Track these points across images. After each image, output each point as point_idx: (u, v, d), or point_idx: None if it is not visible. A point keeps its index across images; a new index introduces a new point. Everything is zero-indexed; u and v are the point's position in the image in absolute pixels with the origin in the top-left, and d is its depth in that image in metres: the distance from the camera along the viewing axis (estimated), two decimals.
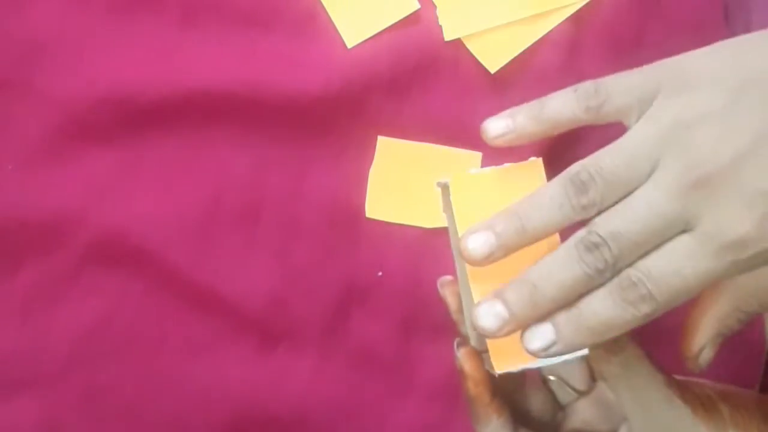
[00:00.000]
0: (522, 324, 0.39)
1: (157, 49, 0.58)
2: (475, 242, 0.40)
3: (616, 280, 0.38)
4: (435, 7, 0.59)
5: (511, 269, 0.40)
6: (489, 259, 0.40)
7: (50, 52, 0.58)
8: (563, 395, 0.47)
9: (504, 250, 0.40)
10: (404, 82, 0.58)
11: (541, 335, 0.39)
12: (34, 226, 0.57)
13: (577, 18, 0.58)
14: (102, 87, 0.57)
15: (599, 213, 0.39)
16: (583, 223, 0.40)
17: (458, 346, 0.46)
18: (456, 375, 0.56)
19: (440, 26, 0.59)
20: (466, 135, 0.58)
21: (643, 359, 0.43)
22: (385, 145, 0.58)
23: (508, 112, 0.43)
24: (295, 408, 0.56)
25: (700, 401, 0.43)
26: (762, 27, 0.42)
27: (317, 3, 0.58)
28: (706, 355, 0.43)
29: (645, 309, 0.38)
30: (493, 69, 0.58)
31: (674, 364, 0.45)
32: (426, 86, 0.59)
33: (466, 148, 0.58)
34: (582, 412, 0.46)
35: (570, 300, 0.39)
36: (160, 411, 0.56)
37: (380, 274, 0.57)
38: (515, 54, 0.58)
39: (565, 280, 0.39)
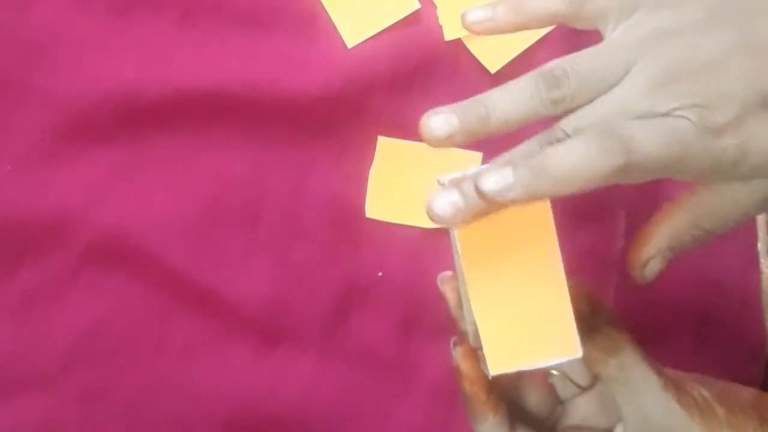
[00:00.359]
0: (468, 135, 0.39)
1: (157, 49, 0.58)
2: (437, 122, 0.39)
3: (596, 127, 0.38)
4: (435, 7, 0.59)
5: (508, 265, 0.40)
6: (448, 141, 0.39)
7: (50, 52, 0.58)
8: (564, 390, 0.47)
9: (464, 135, 0.39)
10: (404, 82, 0.58)
11: (500, 174, 0.37)
12: (34, 226, 0.57)
13: None
14: (102, 87, 0.57)
15: (567, 111, 0.39)
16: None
17: (454, 345, 0.46)
18: (455, 374, 0.56)
19: (440, 26, 0.59)
20: None
21: (641, 362, 0.43)
22: (385, 145, 0.58)
23: (490, 1, 0.43)
24: (296, 408, 0.56)
25: (696, 404, 0.43)
26: None
27: (317, 3, 0.58)
28: (654, 266, 0.42)
29: (620, 160, 0.37)
30: (493, 69, 0.58)
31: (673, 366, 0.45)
32: (426, 86, 0.59)
33: (466, 148, 0.58)
34: (582, 408, 0.46)
35: (515, 125, 0.39)
36: (159, 411, 0.56)
37: (380, 274, 0.57)
38: (515, 54, 0.58)
39: (518, 101, 0.39)
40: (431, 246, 0.57)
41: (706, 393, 0.44)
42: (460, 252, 0.41)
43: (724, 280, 0.57)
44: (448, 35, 0.58)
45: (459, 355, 0.45)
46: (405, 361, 0.57)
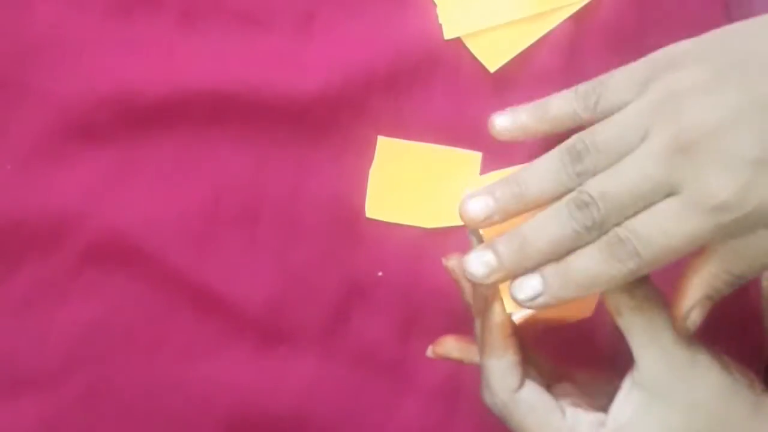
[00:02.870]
0: (510, 273, 0.43)
1: (156, 49, 0.58)
2: (475, 205, 0.43)
3: (604, 238, 0.41)
4: (435, 5, 0.59)
5: None
6: (487, 221, 0.43)
7: (50, 52, 0.58)
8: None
9: (502, 214, 0.43)
10: (404, 81, 0.58)
11: (529, 285, 0.42)
12: (34, 226, 0.57)
13: (577, 18, 0.58)
14: (101, 87, 0.57)
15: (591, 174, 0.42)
16: None
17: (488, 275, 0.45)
18: (456, 375, 0.56)
19: (440, 25, 0.58)
20: (466, 135, 0.58)
21: (659, 297, 0.44)
22: (385, 145, 0.58)
23: (511, 110, 0.46)
24: (296, 408, 0.56)
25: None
26: None
27: (317, 3, 0.58)
28: (695, 317, 0.43)
29: (630, 265, 0.41)
30: (492, 68, 0.58)
31: None
32: (426, 86, 0.59)
33: (466, 148, 0.58)
34: (566, 391, 0.47)
35: (558, 255, 0.42)
36: (160, 411, 0.56)
37: (380, 274, 0.57)
38: (515, 53, 0.58)
39: (554, 234, 0.42)
40: (431, 246, 0.57)
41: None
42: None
43: None
44: (448, 34, 0.58)
45: (491, 288, 0.45)
46: (405, 361, 0.57)
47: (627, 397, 0.44)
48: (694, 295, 0.43)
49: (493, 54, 0.58)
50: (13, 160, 0.57)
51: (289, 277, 0.57)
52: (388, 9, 0.58)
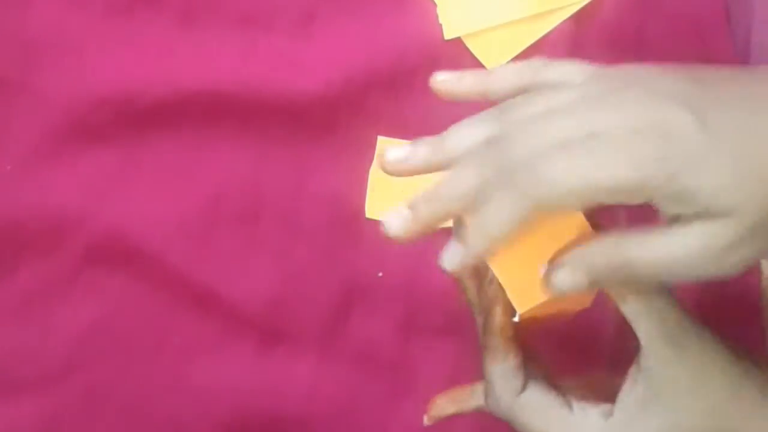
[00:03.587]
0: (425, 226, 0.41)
1: (156, 49, 0.58)
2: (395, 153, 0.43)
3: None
4: (435, 5, 0.59)
5: (535, 253, 0.42)
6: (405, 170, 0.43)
7: (50, 52, 0.58)
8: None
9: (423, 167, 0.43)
10: (404, 81, 0.58)
11: (450, 249, 0.41)
12: (34, 226, 0.57)
13: (577, 18, 0.58)
14: (101, 87, 0.57)
15: None
16: None
17: (490, 282, 0.45)
18: (456, 375, 0.56)
19: (440, 25, 0.58)
20: None
21: (663, 286, 0.43)
22: (385, 145, 0.58)
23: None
24: (296, 408, 0.56)
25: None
26: (764, 26, 0.42)
27: (317, 3, 0.58)
28: (563, 277, 0.41)
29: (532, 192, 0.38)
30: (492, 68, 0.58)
31: None
32: (426, 85, 0.58)
33: None
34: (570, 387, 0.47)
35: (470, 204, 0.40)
36: (160, 411, 0.56)
37: (380, 274, 0.57)
38: (515, 53, 0.58)
39: (465, 180, 0.40)
40: (431, 246, 0.57)
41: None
42: None
43: (724, 281, 0.57)
44: (448, 34, 0.58)
45: (496, 287, 0.44)
46: (405, 361, 0.57)
47: (633, 385, 0.44)
48: (572, 260, 0.41)
49: (493, 54, 0.58)
50: (13, 160, 0.57)
51: (289, 276, 0.57)
52: (388, 9, 0.59)
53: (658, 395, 0.43)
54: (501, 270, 0.43)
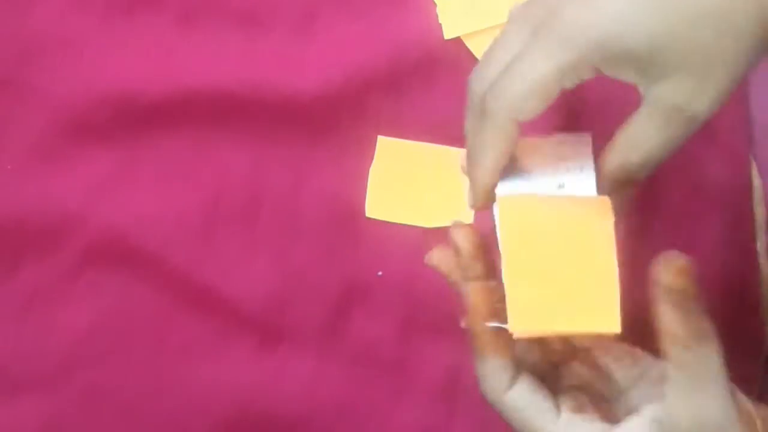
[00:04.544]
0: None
1: (156, 49, 0.58)
2: None
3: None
4: (435, 5, 0.59)
5: (554, 279, 0.40)
6: None
7: (50, 52, 0.58)
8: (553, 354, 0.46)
9: None
10: (404, 81, 0.58)
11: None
12: (34, 226, 0.57)
13: None
14: (102, 87, 0.57)
15: None
16: None
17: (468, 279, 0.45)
18: (456, 375, 0.56)
19: (440, 25, 0.58)
20: None
21: (717, 357, 0.40)
22: (385, 145, 0.58)
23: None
24: (296, 408, 0.56)
25: (746, 412, 0.41)
26: None
27: (318, 3, 0.58)
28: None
29: (491, 116, 0.42)
30: None
31: None
32: (426, 85, 0.59)
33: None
34: (577, 372, 0.45)
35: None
36: (160, 411, 0.56)
37: (380, 274, 0.57)
38: None
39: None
40: (431, 246, 0.57)
41: (750, 406, 0.42)
42: (498, 215, 0.42)
43: (724, 280, 0.57)
44: (448, 34, 0.58)
45: (473, 290, 0.44)
46: (405, 361, 0.57)
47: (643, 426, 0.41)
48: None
49: None
50: (13, 160, 0.57)
51: (289, 276, 0.57)
52: (389, 9, 0.59)
53: None
54: (512, 282, 0.41)
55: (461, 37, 0.59)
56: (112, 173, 0.57)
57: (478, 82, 0.44)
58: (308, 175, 0.58)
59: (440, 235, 0.57)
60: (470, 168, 0.44)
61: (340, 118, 0.58)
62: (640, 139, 0.42)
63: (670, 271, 0.39)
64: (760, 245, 0.59)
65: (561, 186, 0.43)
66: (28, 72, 0.57)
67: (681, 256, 0.39)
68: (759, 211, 0.59)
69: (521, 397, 0.44)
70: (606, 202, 0.42)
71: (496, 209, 0.43)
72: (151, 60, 0.57)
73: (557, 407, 0.43)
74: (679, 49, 0.38)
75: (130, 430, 0.56)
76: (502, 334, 0.43)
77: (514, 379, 0.44)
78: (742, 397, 0.42)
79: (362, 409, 0.57)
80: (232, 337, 0.57)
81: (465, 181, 0.45)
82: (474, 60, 0.58)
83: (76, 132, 0.57)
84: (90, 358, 0.56)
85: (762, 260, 0.59)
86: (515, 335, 0.42)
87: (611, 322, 0.40)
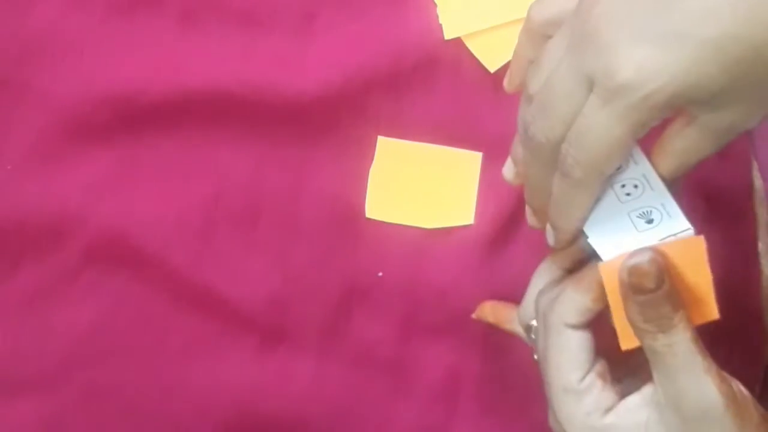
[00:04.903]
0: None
1: (156, 49, 0.58)
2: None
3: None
4: (435, 5, 0.59)
5: None
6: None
7: (50, 52, 0.58)
8: None
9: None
10: (404, 81, 0.58)
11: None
12: (34, 226, 0.57)
13: None
14: (102, 87, 0.57)
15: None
16: None
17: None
18: (456, 375, 0.56)
19: (440, 25, 0.58)
20: (466, 135, 0.58)
21: (689, 342, 0.42)
22: (385, 145, 0.58)
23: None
24: (296, 408, 0.56)
25: (734, 397, 0.42)
26: None
27: (317, 3, 0.58)
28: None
29: (577, 174, 0.41)
30: (492, 68, 0.58)
31: None
32: (426, 85, 0.58)
33: (466, 148, 0.58)
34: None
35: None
36: (160, 411, 0.56)
37: (380, 274, 0.57)
38: None
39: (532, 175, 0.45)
40: (431, 246, 0.57)
41: (747, 393, 0.43)
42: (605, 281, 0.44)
43: (724, 281, 0.57)
44: (448, 34, 0.58)
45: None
46: (405, 361, 0.57)
47: (640, 407, 0.44)
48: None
49: (493, 54, 0.58)
50: (13, 160, 0.57)
51: (289, 277, 0.57)
52: (389, 9, 0.59)
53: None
54: (616, 304, 0.43)
55: (461, 38, 0.58)
56: (112, 173, 0.57)
57: (541, 127, 0.42)
58: (308, 176, 0.58)
59: (440, 235, 0.58)
60: (555, 217, 0.45)
61: (340, 119, 0.58)
62: (691, 150, 0.42)
63: (624, 270, 0.42)
64: (761, 246, 0.59)
65: (650, 222, 0.44)
66: (28, 72, 0.57)
67: (641, 254, 0.42)
68: (760, 212, 0.59)
69: (580, 336, 0.45)
70: (700, 242, 0.44)
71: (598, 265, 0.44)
72: (151, 60, 0.57)
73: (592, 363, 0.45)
74: (737, 88, 0.39)
75: (129, 430, 0.56)
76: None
77: (583, 316, 0.45)
78: (733, 381, 0.43)
79: (362, 409, 0.57)
80: (233, 337, 0.57)
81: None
82: (474, 60, 0.58)
83: (76, 132, 0.57)
84: (90, 358, 0.56)
85: (763, 260, 0.58)
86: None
87: (711, 312, 0.44)
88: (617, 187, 0.44)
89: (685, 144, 0.42)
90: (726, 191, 0.58)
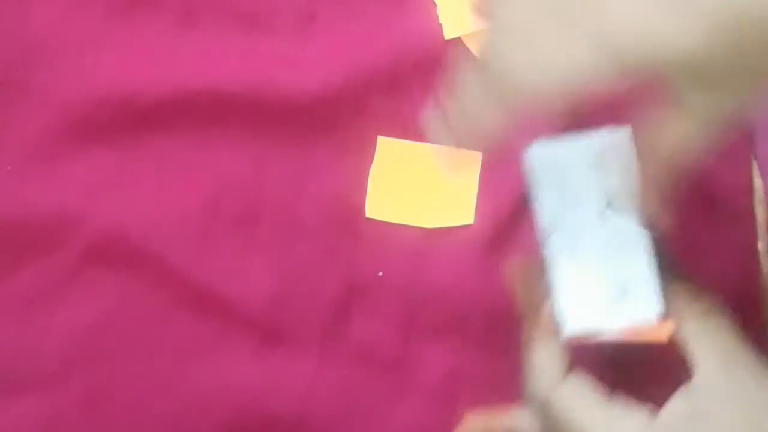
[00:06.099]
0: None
1: (156, 49, 0.58)
2: None
3: None
4: (435, 5, 0.59)
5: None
6: None
7: (50, 52, 0.58)
8: None
9: None
10: (404, 81, 0.58)
11: None
12: (34, 226, 0.57)
13: None
14: (102, 87, 0.57)
15: None
16: None
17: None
18: (456, 375, 0.56)
19: (440, 25, 0.58)
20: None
21: (719, 308, 0.44)
22: (385, 145, 0.58)
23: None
24: (296, 408, 0.56)
25: None
26: None
27: (317, 3, 0.58)
28: None
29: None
30: None
31: None
32: (426, 85, 0.58)
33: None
34: None
35: None
36: (160, 411, 0.56)
37: (380, 274, 0.57)
38: None
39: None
40: (431, 246, 0.57)
41: None
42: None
43: (724, 280, 0.57)
44: (448, 34, 0.58)
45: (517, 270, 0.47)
46: (405, 361, 0.57)
47: (685, 398, 0.44)
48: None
49: None
50: (13, 160, 0.57)
51: (289, 277, 0.57)
52: (388, 9, 0.59)
53: (707, 412, 0.43)
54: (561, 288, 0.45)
55: (461, 37, 0.59)
56: (112, 173, 0.57)
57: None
58: (308, 175, 0.58)
59: (440, 235, 0.58)
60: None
61: (340, 119, 0.58)
62: (680, 138, 0.42)
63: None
64: (761, 245, 0.59)
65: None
66: (28, 72, 0.57)
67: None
68: (760, 211, 0.59)
69: (579, 385, 0.45)
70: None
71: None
72: (151, 60, 0.57)
73: (609, 398, 0.45)
74: (726, 60, 0.38)
75: (130, 430, 0.56)
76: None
77: (569, 369, 0.45)
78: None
79: (362, 409, 0.57)
80: (232, 337, 0.57)
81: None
82: (474, 60, 0.58)
83: (76, 132, 0.57)
84: (90, 358, 0.57)
85: (762, 260, 0.58)
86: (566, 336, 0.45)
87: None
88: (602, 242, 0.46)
89: (674, 132, 0.42)
90: (726, 191, 0.58)
